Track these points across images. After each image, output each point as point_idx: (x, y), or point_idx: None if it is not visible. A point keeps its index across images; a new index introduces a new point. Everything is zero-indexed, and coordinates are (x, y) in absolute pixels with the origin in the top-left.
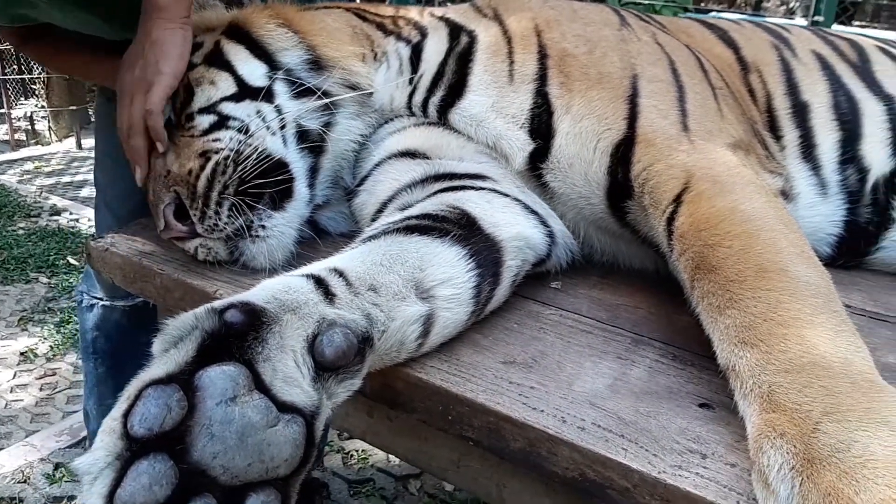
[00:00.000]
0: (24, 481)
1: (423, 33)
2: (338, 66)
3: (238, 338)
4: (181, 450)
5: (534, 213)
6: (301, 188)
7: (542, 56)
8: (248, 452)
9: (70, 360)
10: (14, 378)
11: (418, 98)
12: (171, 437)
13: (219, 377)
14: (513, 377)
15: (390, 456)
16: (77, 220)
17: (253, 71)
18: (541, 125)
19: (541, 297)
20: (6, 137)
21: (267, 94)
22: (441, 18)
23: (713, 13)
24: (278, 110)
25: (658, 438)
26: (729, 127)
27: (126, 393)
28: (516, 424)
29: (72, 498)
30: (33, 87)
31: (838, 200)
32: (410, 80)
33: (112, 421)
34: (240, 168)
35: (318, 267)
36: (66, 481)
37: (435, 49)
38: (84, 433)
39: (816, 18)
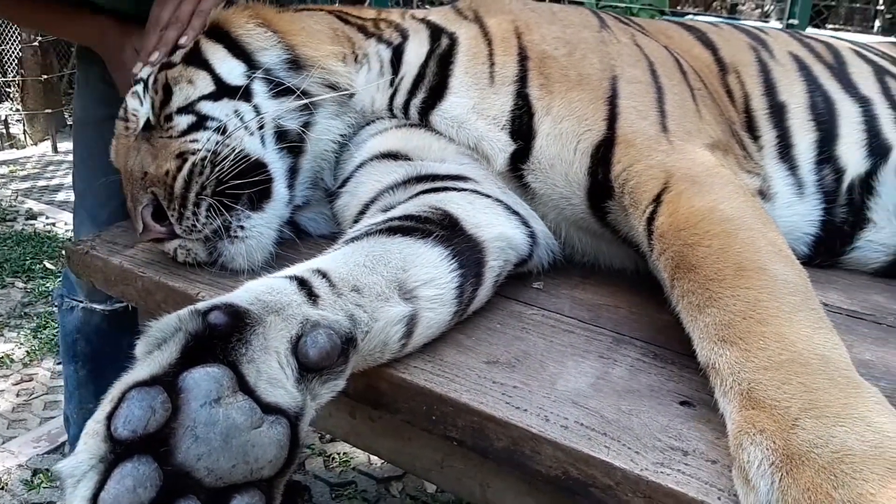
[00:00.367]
0: (2, 488)
1: (404, 35)
2: (317, 66)
3: (222, 339)
4: (165, 452)
5: (515, 213)
6: (280, 189)
7: (523, 58)
8: (233, 454)
9: (47, 365)
10: None
11: (399, 100)
12: (156, 439)
13: (203, 379)
14: (496, 377)
15: (372, 458)
16: (53, 225)
17: (231, 70)
18: (521, 126)
19: (523, 297)
20: None
21: (245, 94)
22: (422, 20)
23: (689, 16)
24: (256, 110)
25: (640, 436)
26: (707, 127)
27: (109, 395)
28: (500, 424)
29: None
30: (7, 90)
31: (815, 200)
32: (392, 82)
33: (95, 423)
34: (217, 169)
35: (302, 268)
36: (44, 487)
37: (416, 51)
38: (63, 438)
39: (791, 21)
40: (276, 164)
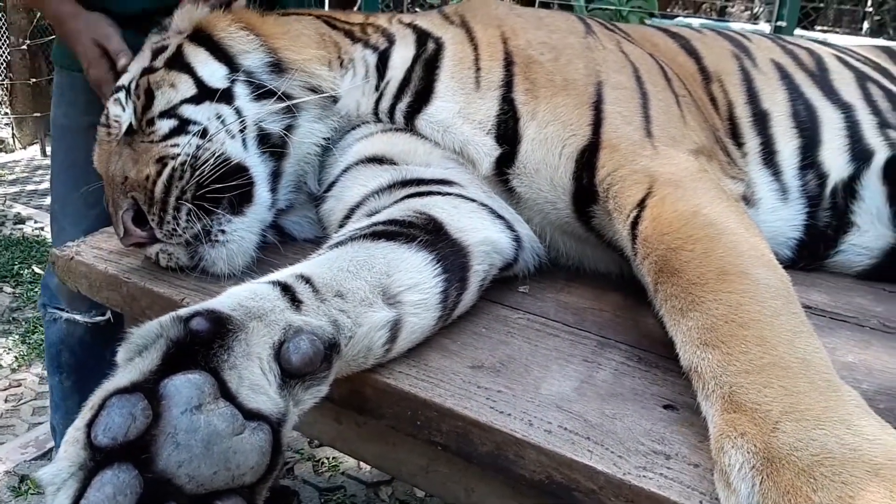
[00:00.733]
0: None
1: (391, 40)
2: (299, 69)
3: (204, 346)
4: (146, 459)
5: (500, 217)
6: (262, 192)
7: (509, 63)
8: (214, 461)
9: (36, 370)
10: None
11: (385, 104)
12: (136, 446)
13: (184, 385)
14: (481, 381)
15: (361, 463)
16: (42, 229)
17: (213, 73)
18: (507, 131)
19: (508, 301)
20: None
21: (227, 96)
22: (409, 25)
23: (679, 18)
24: (238, 112)
25: (623, 440)
26: (692, 133)
27: (90, 402)
28: (484, 428)
29: None
30: None
31: (798, 205)
32: (377, 87)
33: (75, 431)
34: (197, 173)
35: (285, 273)
36: (32, 493)
37: (402, 56)
38: (51, 444)
39: (779, 24)
40: (258, 168)
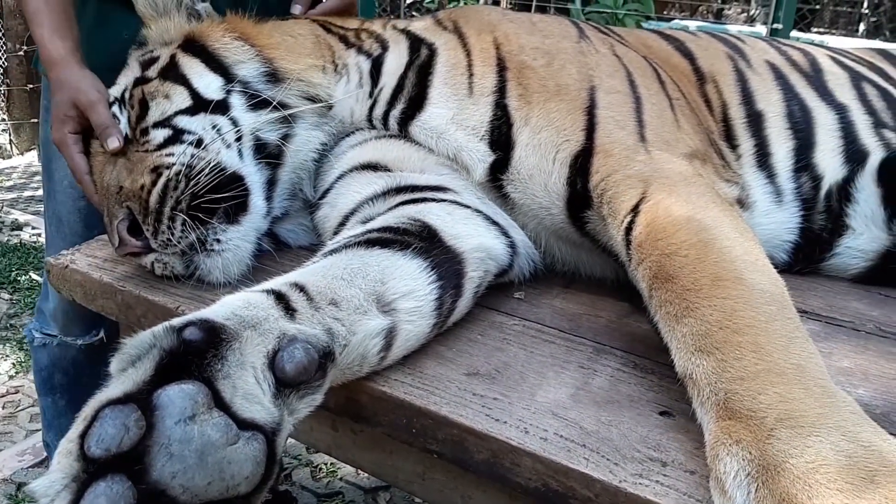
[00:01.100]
0: None
1: (384, 46)
2: (295, 78)
3: (197, 355)
4: (140, 470)
5: (495, 224)
6: (257, 201)
7: (501, 69)
8: (208, 471)
9: (33, 377)
10: None
11: (379, 111)
12: (130, 457)
13: (177, 396)
14: (476, 389)
15: (358, 469)
16: (39, 235)
17: (209, 84)
18: (500, 137)
19: (504, 307)
20: None
21: (223, 107)
22: (402, 31)
23: (675, 21)
24: (234, 122)
25: (619, 447)
26: (685, 137)
27: (83, 413)
28: (479, 436)
29: None
30: None
31: (793, 208)
32: (371, 93)
33: (68, 442)
34: (192, 182)
35: (279, 282)
36: (28, 502)
37: (395, 62)
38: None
39: (776, 26)
40: (254, 177)
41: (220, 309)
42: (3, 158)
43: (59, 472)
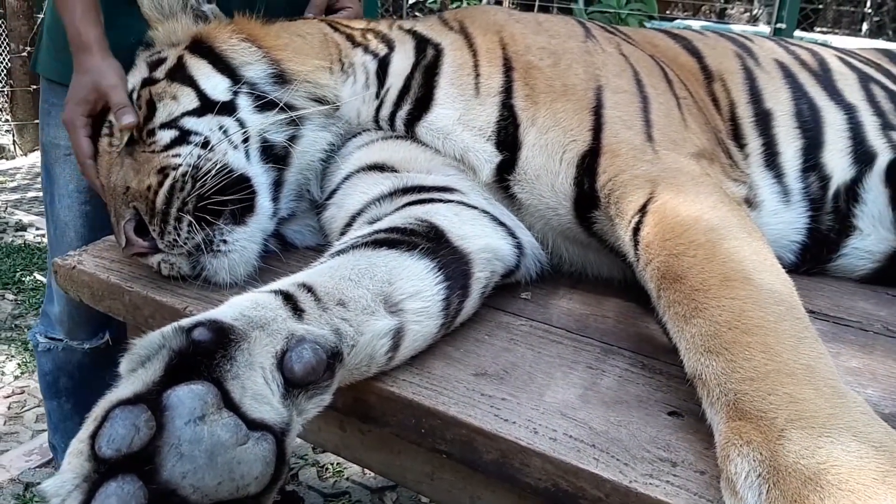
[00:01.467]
0: None
1: (391, 46)
2: (302, 80)
3: (206, 356)
4: (150, 470)
5: (502, 224)
6: (264, 202)
7: (508, 69)
8: (218, 471)
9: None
10: None
11: (385, 112)
12: (140, 457)
13: (187, 396)
14: (484, 389)
15: (365, 469)
16: (43, 236)
17: (216, 86)
18: (507, 137)
19: (511, 308)
20: None
21: (230, 108)
22: (408, 31)
23: (678, 21)
24: (241, 123)
25: (629, 447)
26: (693, 136)
27: (93, 414)
28: (488, 436)
29: None
30: None
31: (801, 208)
32: (377, 94)
33: (79, 443)
34: (198, 183)
35: (287, 283)
36: (36, 501)
37: (401, 63)
38: None
39: (779, 26)
40: (261, 178)
41: (229, 310)
42: (7, 159)
43: (69, 472)
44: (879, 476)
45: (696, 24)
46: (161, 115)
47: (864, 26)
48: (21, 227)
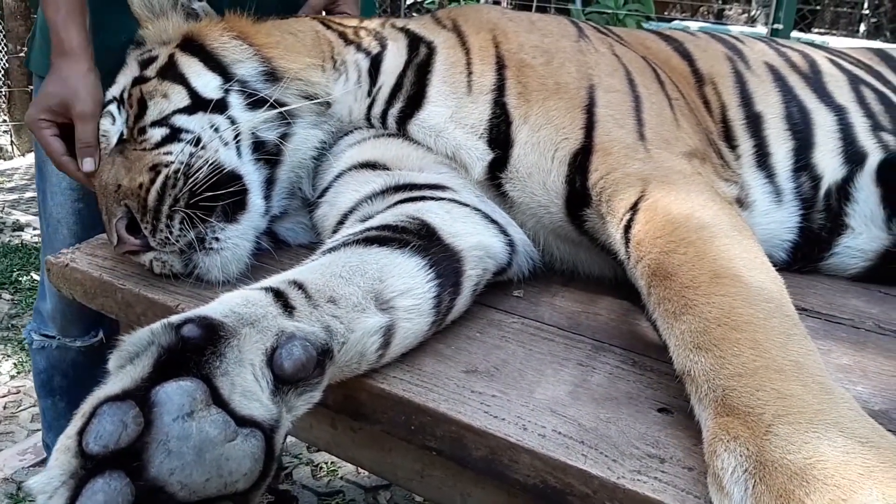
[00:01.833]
0: None
1: (383, 44)
2: (293, 77)
3: (196, 352)
4: (138, 466)
5: (494, 222)
6: (255, 200)
7: (500, 67)
8: (206, 468)
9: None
10: None
11: (377, 110)
12: (128, 453)
13: (175, 392)
14: (475, 386)
15: (357, 467)
16: (40, 236)
17: (207, 83)
18: (499, 135)
19: (503, 305)
20: None
21: (221, 106)
22: (401, 29)
23: (676, 21)
24: (232, 121)
25: (617, 444)
26: (685, 136)
27: (81, 410)
28: (478, 433)
29: None
30: None
31: (793, 207)
32: (369, 92)
33: (67, 439)
34: (190, 181)
35: (278, 280)
36: (29, 501)
37: (394, 61)
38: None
39: (776, 27)
40: (252, 176)
41: (219, 306)
42: (5, 160)
43: (56, 468)
44: (865, 471)
45: (693, 24)
46: (152, 114)
47: (862, 27)
48: (18, 227)
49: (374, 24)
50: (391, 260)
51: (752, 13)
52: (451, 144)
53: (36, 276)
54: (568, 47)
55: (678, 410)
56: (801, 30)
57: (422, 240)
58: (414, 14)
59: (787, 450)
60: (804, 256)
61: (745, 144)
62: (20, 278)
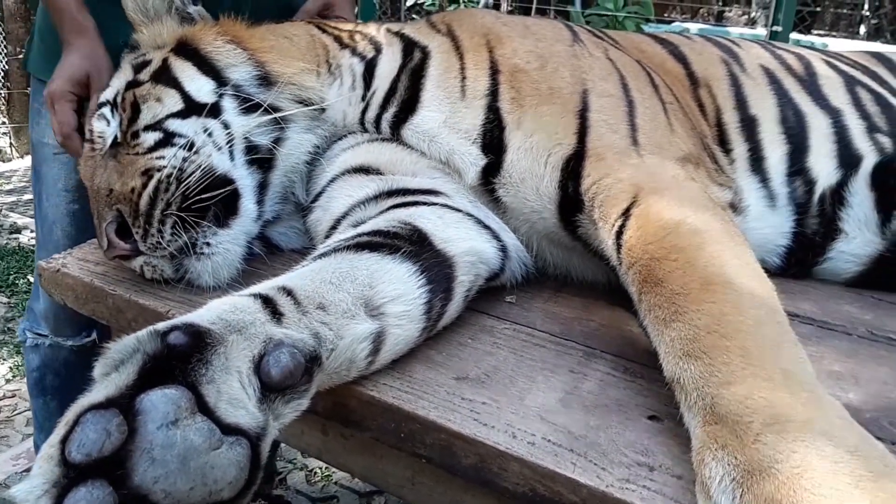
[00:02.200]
0: None
1: (378, 49)
2: (286, 82)
3: (182, 360)
4: (122, 475)
5: (487, 227)
6: (248, 204)
7: (494, 72)
8: (191, 476)
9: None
10: None
11: (371, 114)
12: (111, 462)
13: (160, 400)
14: (465, 393)
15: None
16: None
17: (200, 87)
18: (493, 140)
19: (495, 311)
20: None
21: (214, 110)
22: (396, 34)
23: (676, 23)
24: (225, 126)
25: (607, 452)
26: (678, 141)
27: (64, 418)
28: (467, 441)
29: None
30: None
31: (787, 212)
32: (363, 97)
33: (50, 447)
34: (183, 185)
35: (267, 286)
36: None
37: (388, 65)
38: None
39: (775, 28)
40: (245, 180)
41: (206, 313)
42: (3, 161)
43: (39, 476)
44: (853, 481)
45: (693, 27)
46: (145, 117)
47: (862, 29)
48: (15, 230)
49: (369, 28)
50: (382, 266)
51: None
52: (444, 149)
53: (33, 280)
54: (562, 52)
55: (668, 418)
56: (800, 31)
57: (413, 245)
58: (414, 16)
59: (775, 459)
60: (798, 261)
61: (740, 148)
62: (17, 281)
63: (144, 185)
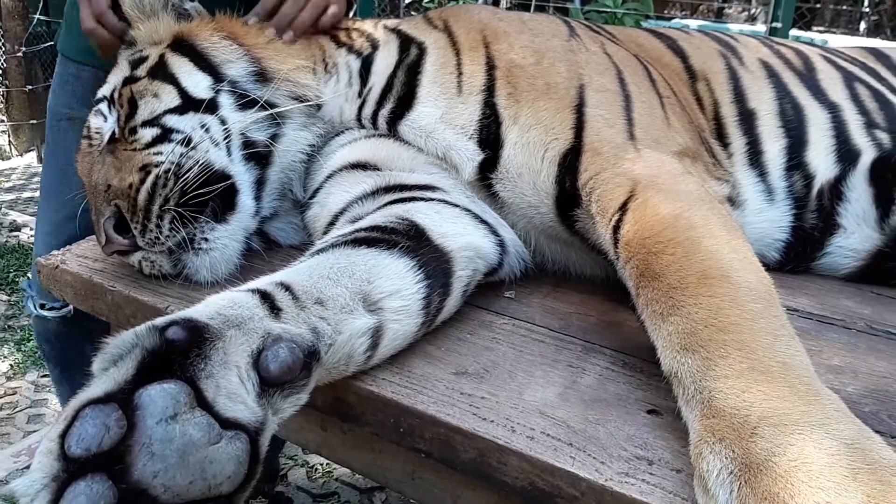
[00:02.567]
0: None
1: (375, 45)
2: (283, 78)
3: (180, 355)
4: (121, 470)
5: (484, 222)
6: (246, 200)
7: (490, 67)
8: (190, 470)
9: (31, 378)
10: None
11: (368, 110)
12: (111, 456)
13: (159, 395)
14: (464, 388)
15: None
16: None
17: (197, 83)
18: (489, 135)
19: (494, 306)
20: None
21: (211, 106)
22: (392, 30)
23: (676, 20)
24: (222, 121)
25: (606, 446)
26: (676, 135)
27: (64, 413)
28: (466, 435)
29: None
30: None
31: (785, 206)
32: (360, 93)
33: (49, 442)
34: (180, 181)
35: (265, 281)
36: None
37: (385, 61)
38: None
39: (775, 25)
40: (243, 176)
41: (205, 308)
42: (2, 160)
43: (39, 471)
44: (850, 473)
45: (693, 23)
46: (143, 113)
47: (862, 25)
48: (15, 228)
49: (366, 25)
50: (380, 261)
51: (752, 11)
52: (441, 145)
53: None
54: (558, 47)
55: (667, 412)
56: (800, 28)
57: (411, 241)
58: (412, 13)
59: (772, 452)
60: (797, 256)
61: (738, 142)
62: (17, 279)
63: (142, 181)
